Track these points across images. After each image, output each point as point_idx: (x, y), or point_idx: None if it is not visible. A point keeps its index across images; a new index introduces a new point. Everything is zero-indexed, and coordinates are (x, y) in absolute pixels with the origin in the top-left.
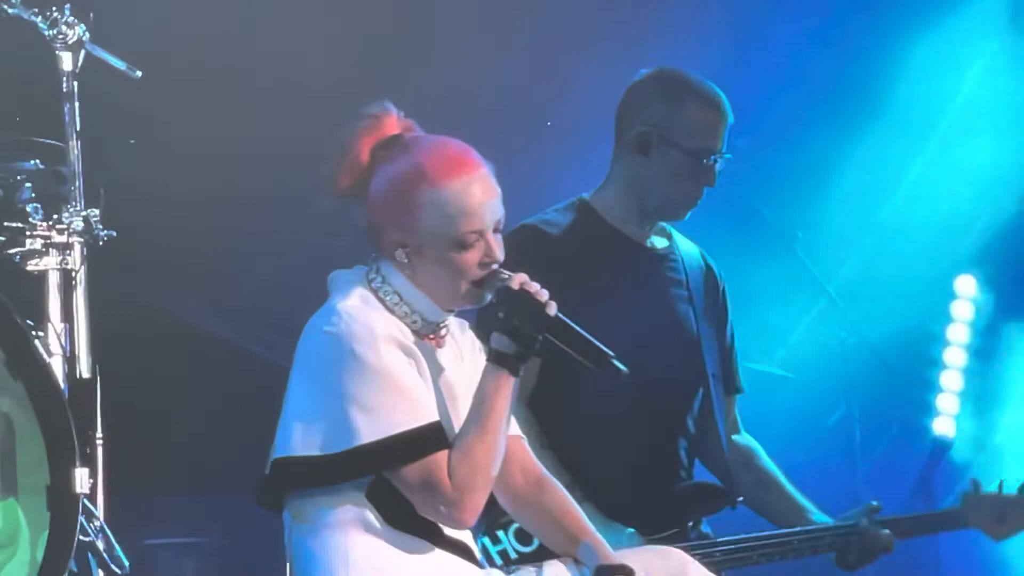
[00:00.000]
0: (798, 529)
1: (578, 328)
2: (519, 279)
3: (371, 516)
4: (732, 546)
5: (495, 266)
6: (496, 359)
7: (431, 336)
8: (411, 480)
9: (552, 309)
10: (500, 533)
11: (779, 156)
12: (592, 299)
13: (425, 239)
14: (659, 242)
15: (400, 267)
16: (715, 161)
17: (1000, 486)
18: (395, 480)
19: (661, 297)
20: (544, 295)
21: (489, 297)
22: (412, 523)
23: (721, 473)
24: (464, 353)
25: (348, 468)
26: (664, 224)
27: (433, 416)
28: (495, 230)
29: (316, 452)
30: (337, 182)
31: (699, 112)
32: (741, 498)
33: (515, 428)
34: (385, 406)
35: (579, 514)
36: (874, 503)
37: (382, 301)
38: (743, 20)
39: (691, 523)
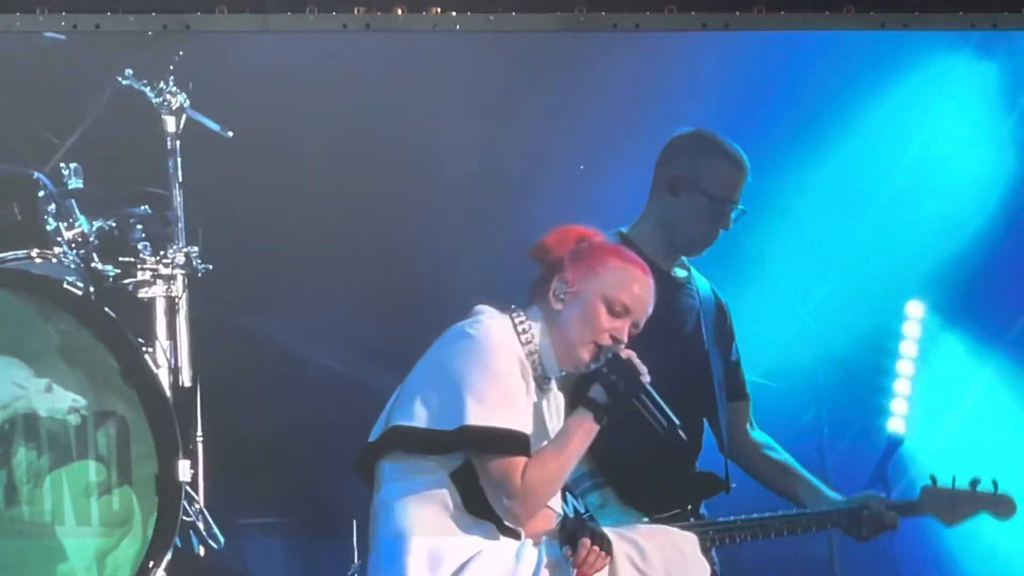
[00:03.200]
0: (808, 510)
1: (659, 399)
2: (628, 353)
3: (451, 495)
4: (754, 523)
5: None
6: (588, 404)
7: (542, 385)
8: (492, 470)
9: (646, 379)
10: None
11: (761, 195)
12: None
13: (591, 286)
14: (680, 272)
15: (546, 310)
16: (731, 210)
17: (953, 481)
18: (479, 468)
19: (680, 318)
20: (643, 368)
21: (592, 367)
22: (482, 509)
23: (729, 459)
24: (558, 414)
25: (449, 443)
26: (684, 258)
27: (529, 428)
28: (632, 332)
29: (428, 424)
30: (544, 241)
31: (724, 167)
32: (734, 484)
33: (556, 505)
34: (497, 404)
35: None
36: (880, 494)
37: (519, 335)
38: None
39: (691, 506)
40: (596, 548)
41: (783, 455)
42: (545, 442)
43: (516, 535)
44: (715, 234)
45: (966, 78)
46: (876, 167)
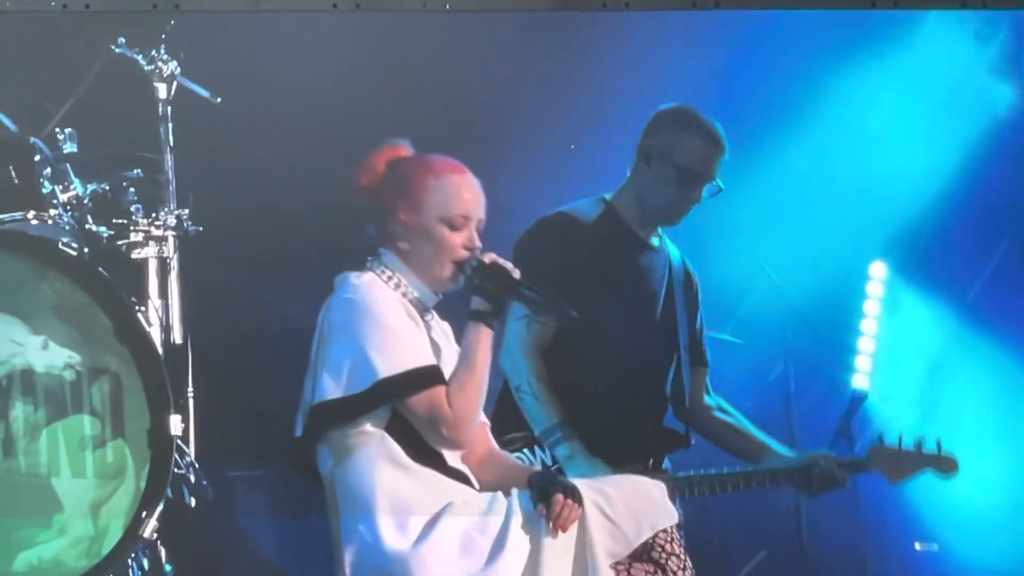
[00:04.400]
0: (762, 467)
1: (534, 291)
2: (490, 256)
3: (393, 447)
4: (712, 477)
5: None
6: (473, 316)
7: (424, 317)
8: (419, 410)
9: (516, 275)
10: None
11: (732, 163)
12: (607, 279)
13: (425, 215)
14: (655, 241)
15: (397, 251)
16: (703, 184)
17: (900, 440)
18: (407, 412)
19: (653, 285)
20: (509, 266)
21: (463, 280)
22: (425, 455)
23: (683, 422)
24: (449, 339)
25: (371, 401)
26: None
27: (433, 360)
28: (478, 228)
29: (344, 392)
30: (357, 181)
31: (698, 141)
32: (694, 441)
33: (480, 414)
34: (397, 351)
35: (515, 465)
36: (829, 452)
37: (386, 282)
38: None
39: (654, 460)
40: (569, 501)
41: (737, 417)
42: (450, 369)
43: (463, 477)
44: (686, 206)
45: (930, 48)
46: (843, 134)
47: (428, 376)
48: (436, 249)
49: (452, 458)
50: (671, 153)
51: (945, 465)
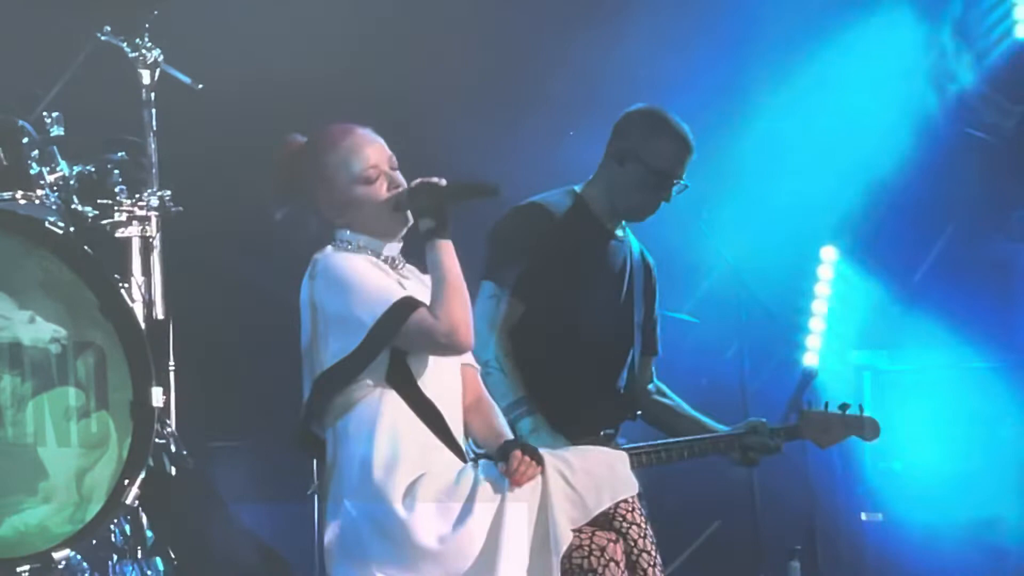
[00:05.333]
0: (703, 437)
1: (459, 184)
2: (415, 182)
3: (394, 398)
4: (659, 447)
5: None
6: (428, 235)
7: (398, 270)
8: (411, 335)
9: (443, 182)
10: None
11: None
12: (574, 266)
13: (344, 190)
14: (619, 232)
15: (342, 226)
16: (671, 184)
17: (826, 406)
18: (403, 344)
19: (615, 274)
20: (434, 178)
21: (408, 214)
22: (425, 412)
23: (634, 397)
24: (417, 276)
25: (370, 352)
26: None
27: (406, 292)
28: (392, 167)
29: (345, 354)
30: (274, 189)
31: (668, 144)
32: (640, 412)
33: (470, 359)
34: (377, 294)
35: (501, 424)
36: (763, 420)
37: (347, 250)
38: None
39: (609, 432)
40: (526, 458)
41: (675, 400)
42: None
43: (455, 445)
44: (655, 205)
45: (882, 35)
46: (796, 123)
47: (407, 304)
48: (370, 211)
49: (449, 413)
50: (644, 156)
51: (868, 429)
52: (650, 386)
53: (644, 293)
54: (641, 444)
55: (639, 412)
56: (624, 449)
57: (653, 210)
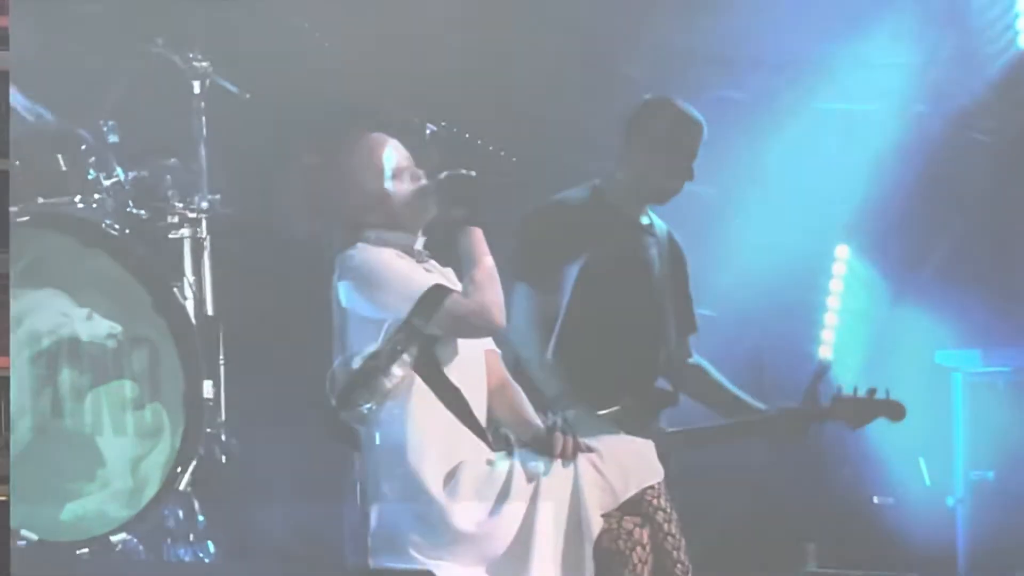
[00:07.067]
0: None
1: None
2: (443, 174)
3: (421, 386)
4: (696, 432)
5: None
6: (461, 223)
7: (423, 265)
8: (446, 320)
9: (472, 173)
10: None
11: (714, 160)
12: (603, 257)
13: (373, 188)
14: (644, 219)
15: (371, 226)
16: (690, 163)
17: (855, 390)
18: (439, 328)
19: (644, 259)
20: (463, 170)
21: (433, 207)
22: (450, 398)
23: (671, 383)
24: (441, 270)
25: (404, 338)
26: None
27: (435, 280)
28: (411, 164)
29: (376, 345)
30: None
31: (680, 126)
32: (682, 398)
33: (491, 344)
34: (409, 285)
35: (525, 407)
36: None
37: (375, 244)
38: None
39: (648, 419)
40: (568, 438)
41: (716, 376)
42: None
43: (478, 429)
44: (680, 186)
45: (892, 29)
46: (815, 127)
47: (438, 291)
48: (397, 202)
49: (475, 402)
50: (660, 139)
51: (895, 411)
52: (691, 361)
53: (674, 274)
54: (680, 428)
55: (679, 395)
56: (666, 435)
57: (676, 191)
